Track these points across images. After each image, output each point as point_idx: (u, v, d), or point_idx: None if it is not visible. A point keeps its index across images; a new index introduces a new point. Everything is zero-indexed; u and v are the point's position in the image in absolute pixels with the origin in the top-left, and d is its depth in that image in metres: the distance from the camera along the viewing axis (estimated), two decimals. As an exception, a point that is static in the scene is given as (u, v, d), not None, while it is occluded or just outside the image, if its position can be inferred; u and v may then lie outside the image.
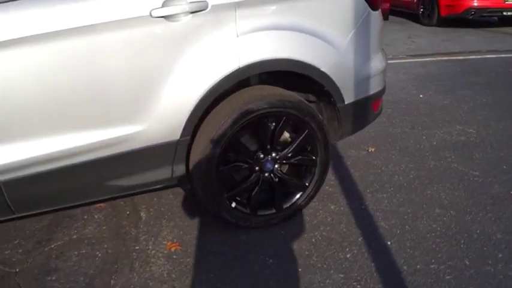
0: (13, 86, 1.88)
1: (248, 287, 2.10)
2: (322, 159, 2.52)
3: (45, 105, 1.95)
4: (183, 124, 2.18)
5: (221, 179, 2.35)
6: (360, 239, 2.44)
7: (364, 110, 2.66)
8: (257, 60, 2.21)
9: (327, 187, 2.98)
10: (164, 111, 2.14)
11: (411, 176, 3.12)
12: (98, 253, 2.37)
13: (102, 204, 2.84)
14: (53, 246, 2.44)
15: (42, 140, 2.00)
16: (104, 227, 2.61)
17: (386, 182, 3.05)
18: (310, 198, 2.60)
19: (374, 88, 2.66)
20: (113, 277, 2.19)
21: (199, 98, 2.16)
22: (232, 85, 2.22)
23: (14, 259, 2.34)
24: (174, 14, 2.04)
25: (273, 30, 2.24)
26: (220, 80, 2.16)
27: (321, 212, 2.71)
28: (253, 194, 2.46)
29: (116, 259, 2.32)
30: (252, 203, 2.47)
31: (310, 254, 2.34)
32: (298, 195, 2.57)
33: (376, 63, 2.64)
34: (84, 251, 2.39)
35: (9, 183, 2.00)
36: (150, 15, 2.00)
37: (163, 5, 2.02)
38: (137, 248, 2.41)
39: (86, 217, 2.71)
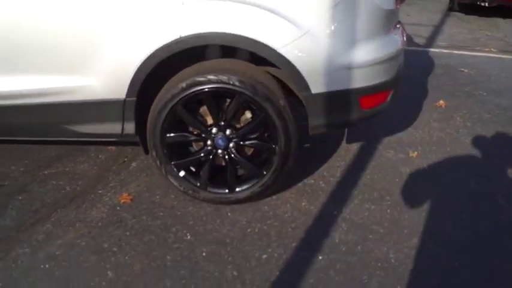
0: None
1: (148, 255, 2.12)
2: (282, 150, 2.29)
3: (9, 47, 2.23)
4: (127, 84, 2.23)
5: (167, 145, 2.35)
6: (292, 245, 2.19)
7: (345, 104, 2.28)
8: (201, 32, 2.10)
9: (321, 182, 2.70)
10: (110, 68, 2.21)
11: (427, 193, 2.59)
12: (67, 187, 2.66)
13: (112, 147, 3.11)
14: (46, 172, 2.82)
15: (8, 78, 2.30)
16: (95, 167, 2.88)
17: (393, 193, 2.59)
18: (267, 187, 2.40)
19: (362, 81, 2.23)
20: (57, 211, 2.44)
21: (141, 61, 2.17)
22: (173, 54, 2.15)
23: (11, 175, 2.79)
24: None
25: (224, 1, 2.08)
26: (160, 47, 2.13)
27: (287, 206, 2.49)
28: (203, 167, 2.40)
29: (74, 197, 2.57)
30: (202, 176, 2.41)
31: (231, 242, 2.21)
32: (254, 181, 2.40)
33: (366, 52, 2.19)
34: (61, 183, 2.70)
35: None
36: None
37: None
38: (100, 191, 2.62)
39: (91, 155, 3.02)
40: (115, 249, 2.17)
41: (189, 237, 2.25)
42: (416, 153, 3.03)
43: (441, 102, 3.83)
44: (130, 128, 2.38)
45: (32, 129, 2.49)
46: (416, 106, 3.80)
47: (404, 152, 3.04)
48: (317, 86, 2.18)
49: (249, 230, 2.30)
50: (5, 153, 3.02)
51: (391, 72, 2.34)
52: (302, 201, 2.54)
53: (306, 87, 2.18)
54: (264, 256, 2.12)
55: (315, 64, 2.14)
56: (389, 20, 2.28)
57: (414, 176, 2.78)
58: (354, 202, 2.53)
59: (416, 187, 2.66)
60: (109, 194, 2.59)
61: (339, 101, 2.25)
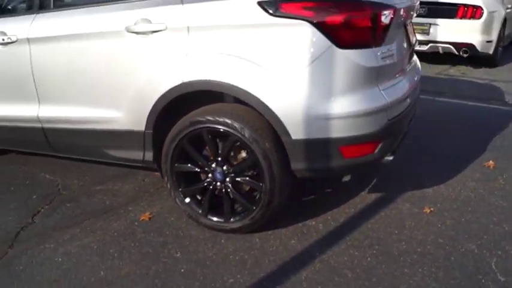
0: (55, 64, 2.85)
1: (138, 263, 2.51)
2: (267, 189, 2.54)
3: (66, 86, 2.87)
4: (146, 119, 2.70)
5: (175, 174, 2.75)
6: (261, 275, 2.40)
7: (324, 152, 2.45)
8: (199, 79, 2.49)
9: (321, 225, 2.85)
10: (133, 104, 2.70)
11: (415, 248, 2.58)
12: (107, 202, 3.18)
13: (157, 173, 3.59)
14: (97, 188, 3.39)
15: (64, 107, 2.93)
16: (136, 188, 3.38)
17: (384, 244, 2.63)
18: (256, 221, 2.64)
19: (341, 131, 2.39)
20: (90, 219, 2.96)
21: (155, 100, 2.62)
22: (176, 97, 2.56)
23: (72, 186, 3.41)
24: (141, 31, 2.57)
25: (219, 55, 2.44)
26: (168, 90, 2.56)
27: (277, 241, 2.68)
28: (204, 197, 2.74)
29: (108, 210, 3.07)
30: (204, 204, 2.75)
31: (210, 264, 2.48)
32: (245, 215, 2.67)
33: (343, 105, 2.35)
34: (104, 198, 3.24)
35: (49, 130, 3.04)
36: (125, 30, 2.60)
37: (135, 24, 2.58)
38: (130, 208, 3.09)
39: (139, 178, 3.53)
40: (116, 254, 2.59)
41: (178, 254, 2.58)
42: (431, 209, 2.99)
43: (491, 162, 3.66)
44: (149, 156, 2.82)
45: (81, 149, 3.08)
46: (464, 163, 3.69)
47: (420, 207, 3.03)
48: (297, 133, 2.41)
49: (231, 256, 2.56)
50: (76, 168, 3.68)
51: (376, 125, 2.45)
52: (293, 239, 2.71)
53: (287, 133, 2.41)
54: (231, 280, 2.36)
55: (294, 113, 2.37)
56: (372, 76, 2.42)
57: (414, 230, 2.77)
58: (341, 246, 2.63)
59: (409, 241, 2.66)
60: (136, 211, 3.04)
61: (317, 148, 2.43)
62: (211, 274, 2.41)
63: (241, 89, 2.41)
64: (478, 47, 6.87)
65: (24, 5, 3.06)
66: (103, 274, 2.43)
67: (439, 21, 6.97)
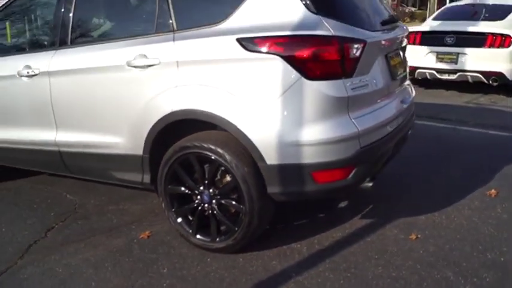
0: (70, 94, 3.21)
1: (127, 277, 2.74)
2: (247, 211, 2.71)
3: (79, 115, 3.21)
4: (143, 144, 2.97)
5: (169, 195, 2.98)
6: (235, 291, 2.56)
7: (297, 177, 2.60)
8: (185, 109, 2.74)
9: (305, 248, 2.97)
10: (132, 132, 2.98)
11: (390, 274, 2.64)
12: (114, 221, 3.45)
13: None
14: (110, 207, 3.68)
15: (77, 134, 3.26)
16: (143, 209, 3.63)
17: (361, 268, 2.71)
18: (238, 241, 2.80)
19: (313, 157, 2.54)
20: (95, 236, 3.24)
21: (150, 128, 2.89)
22: (167, 125, 2.81)
23: (87, 205, 3.72)
24: (139, 65, 2.87)
25: (203, 86, 2.68)
26: (160, 118, 2.82)
27: (259, 261, 2.82)
28: (193, 217, 2.95)
29: (114, 228, 3.33)
30: (193, 224, 2.96)
31: (191, 280, 2.67)
32: (228, 235, 2.84)
33: (314, 132, 2.51)
34: (113, 217, 3.51)
35: (65, 153, 3.38)
36: (126, 65, 2.91)
37: (134, 59, 2.88)
38: (133, 227, 3.34)
39: (148, 199, 3.77)
40: (110, 268, 2.83)
41: (165, 270, 2.79)
42: (418, 236, 3.04)
43: (493, 191, 3.64)
44: (147, 178, 3.08)
45: (92, 171, 3.40)
46: (466, 191, 3.69)
47: (407, 233, 3.08)
48: (271, 159, 2.58)
49: (212, 274, 2.73)
50: (95, 189, 3.98)
51: (348, 152, 2.58)
52: (275, 260, 2.85)
53: (262, 159, 2.59)
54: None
55: (268, 140, 2.56)
56: (342, 106, 2.56)
57: (394, 255, 2.83)
58: (318, 269, 2.74)
59: (386, 266, 2.73)
60: (138, 229, 3.29)
61: (291, 173, 2.59)
62: (183, 283, 2.59)
63: (221, 117, 2.63)
64: (508, 76, 6.77)
65: (48, 42, 3.45)
66: (94, 285, 2.67)
67: (468, 50, 6.94)
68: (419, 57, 7.21)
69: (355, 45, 2.56)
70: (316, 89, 2.50)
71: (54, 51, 3.30)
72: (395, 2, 27.03)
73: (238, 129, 2.60)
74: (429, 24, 7.89)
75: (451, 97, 7.29)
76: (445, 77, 7.20)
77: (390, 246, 2.95)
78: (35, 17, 3.69)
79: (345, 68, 2.55)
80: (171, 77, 2.77)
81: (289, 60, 2.48)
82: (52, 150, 3.42)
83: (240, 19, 2.63)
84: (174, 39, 2.78)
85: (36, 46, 3.61)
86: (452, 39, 7.00)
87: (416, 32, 7.39)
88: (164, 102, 2.80)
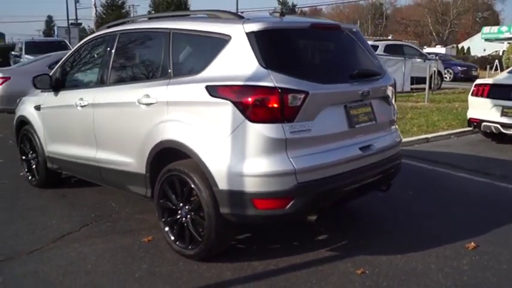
0: (97, 122, 4.18)
1: (116, 271, 3.50)
2: (207, 226, 3.31)
3: (103, 135, 4.15)
4: (145, 165, 3.76)
5: (161, 208, 3.70)
6: (182, 289, 3.16)
7: (241, 202, 3.12)
8: (167, 139, 3.47)
9: (257, 263, 3.46)
10: (139, 153, 3.79)
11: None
12: (133, 226, 4.27)
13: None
14: (137, 216, 4.53)
15: (101, 152, 4.19)
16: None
17: (295, 288, 3.14)
18: (202, 251, 3.40)
19: (253, 186, 3.06)
20: (113, 235, 4.08)
21: (148, 152, 3.67)
22: (159, 151, 3.56)
23: (121, 213, 4.62)
24: (144, 103, 3.69)
25: (180, 122, 3.40)
26: (154, 146, 3.59)
27: (217, 270, 3.40)
28: (174, 228, 3.63)
29: (128, 231, 4.15)
30: (174, 233, 3.63)
31: (160, 276, 3.34)
32: (196, 245, 3.46)
33: (255, 166, 3.04)
34: (133, 223, 4.35)
35: (101, 168, 4.32)
36: (137, 102, 3.75)
37: (143, 97, 3.71)
38: (143, 232, 4.11)
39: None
40: (107, 258, 3.62)
41: (144, 266, 3.48)
42: (366, 271, 3.32)
43: (472, 244, 3.71)
44: (149, 192, 3.85)
45: (117, 183, 4.28)
46: (448, 239, 3.81)
47: (357, 268, 3.38)
48: (222, 184, 3.17)
49: (175, 273, 3.36)
50: (136, 201, 4.85)
51: (284, 185, 3.06)
52: (230, 271, 3.39)
53: (215, 184, 3.20)
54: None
55: (220, 169, 3.16)
56: (280, 145, 3.05)
57: (330, 284, 3.18)
58: (259, 283, 3.21)
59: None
60: (145, 235, 4.04)
61: (236, 198, 3.14)
62: (151, 280, 3.25)
63: (189, 148, 3.31)
64: None
65: (95, 81, 4.47)
66: (89, 267, 3.47)
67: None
68: (485, 110, 7.08)
69: (296, 95, 3.07)
70: (257, 130, 3.05)
71: (97, 88, 4.30)
72: None
73: (200, 158, 3.25)
74: (498, 78, 7.67)
75: (505, 152, 7.02)
76: (511, 132, 6.94)
77: (333, 276, 3.29)
78: (89, 62, 4.78)
79: (284, 114, 3.06)
80: (163, 113, 3.54)
81: (238, 105, 3.08)
82: (94, 164, 4.38)
83: (212, 70, 3.32)
84: (168, 84, 3.55)
85: (88, 83, 4.66)
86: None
87: (485, 85, 7.26)
88: (157, 132, 3.57)
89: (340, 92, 3.39)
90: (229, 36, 3.30)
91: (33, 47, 16.04)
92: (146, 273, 3.37)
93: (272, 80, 3.07)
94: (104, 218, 4.46)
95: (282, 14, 3.74)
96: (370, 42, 17.01)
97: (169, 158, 3.57)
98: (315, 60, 3.47)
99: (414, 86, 14.89)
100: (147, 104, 3.66)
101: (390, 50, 15.80)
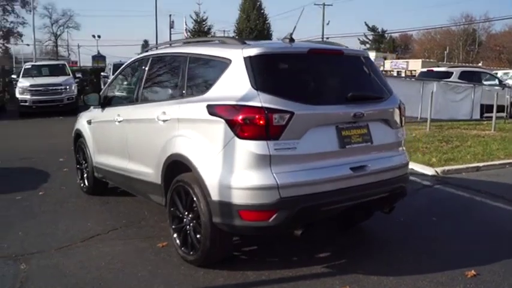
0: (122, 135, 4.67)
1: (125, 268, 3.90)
2: (203, 234, 3.61)
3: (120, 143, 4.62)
4: (160, 175, 4.15)
5: (171, 215, 4.06)
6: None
7: (229, 212, 3.36)
8: (175, 152, 3.83)
9: (251, 273, 3.67)
10: (156, 165, 4.19)
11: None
12: (156, 232, 4.67)
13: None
14: (161, 224, 4.93)
15: (136, 163, 4.65)
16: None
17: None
18: (200, 257, 3.69)
19: (240, 199, 3.30)
20: (134, 238, 4.50)
21: (162, 163, 4.06)
22: (170, 163, 3.93)
23: (150, 220, 5.05)
24: (161, 119, 4.10)
25: (185, 137, 3.75)
26: (167, 157, 3.97)
27: (210, 273, 3.66)
28: (181, 234, 3.96)
29: (150, 237, 4.55)
30: (180, 239, 3.95)
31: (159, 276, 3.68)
32: (195, 251, 3.76)
33: (241, 180, 3.29)
34: (156, 229, 4.75)
35: (132, 178, 4.79)
36: (156, 118, 4.18)
37: (161, 114, 4.13)
38: (162, 238, 4.50)
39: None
40: (121, 258, 4.02)
41: (149, 268, 3.84)
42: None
43: (473, 272, 3.62)
44: (164, 201, 4.22)
45: (141, 192, 4.71)
46: (448, 266, 3.76)
47: (343, 285, 3.47)
48: (214, 195, 3.45)
49: (174, 275, 3.68)
50: (162, 209, 5.27)
51: (267, 199, 3.27)
52: (223, 277, 3.64)
53: (209, 195, 3.49)
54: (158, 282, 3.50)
55: (212, 181, 3.45)
56: (264, 161, 3.26)
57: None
58: (245, 290, 3.43)
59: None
60: (161, 240, 4.41)
61: (225, 209, 3.40)
62: (151, 280, 3.59)
63: (190, 160, 3.65)
64: None
65: (130, 99, 4.99)
66: (103, 264, 3.89)
67: None
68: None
69: (281, 115, 3.29)
70: (244, 146, 3.31)
71: (131, 105, 4.82)
72: None
73: (197, 170, 3.57)
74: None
75: None
76: None
77: (315, 289, 3.41)
78: (128, 82, 5.34)
79: (269, 132, 3.29)
80: (174, 129, 3.92)
81: (229, 122, 3.38)
82: (126, 175, 4.87)
83: (215, 91, 3.65)
84: (180, 103, 3.93)
85: (125, 101, 5.20)
86: None
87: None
88: (169, 146, 3.95)
89: (329, 113, 3.55)
90: (230, 60, 3.62)
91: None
92: (148, 274, 3.72)
93: (260, 100, 3.33)
94: (133, 224, 4.91)
95: (291, 40, 3.99)
96: (442, 69, 16.67)
97: (179, 169, 3.92)
98: (308, 83, 3.67)
99: (489, 115, 14.16)
100: (164, 121, 4.07)
101: (466, 76, 15.22)
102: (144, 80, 4.70)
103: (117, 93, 5.45)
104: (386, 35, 75.98)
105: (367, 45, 79.80)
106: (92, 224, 4.89)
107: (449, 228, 4.74)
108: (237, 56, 3.58)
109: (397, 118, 4.01)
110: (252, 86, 3.41)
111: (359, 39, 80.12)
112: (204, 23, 37.65)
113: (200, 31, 36.02)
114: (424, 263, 3.84)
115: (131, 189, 5.02)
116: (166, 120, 4.04)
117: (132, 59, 5.36)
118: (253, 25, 36.58)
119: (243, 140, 3.33)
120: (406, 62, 43.93)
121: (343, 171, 3.57)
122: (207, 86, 3.77)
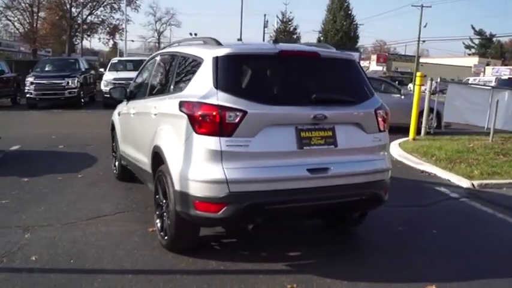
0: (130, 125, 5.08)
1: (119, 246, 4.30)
2: (170, 221, 3.88)
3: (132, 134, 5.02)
4: (150, 164, 4.49)
5: (156, 202, 4.38)
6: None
7: (186, 202, 3.58)
8: (156, 144, 4.16)
9: (220, 265, 3.87)
10: (148, 155, 4.54)
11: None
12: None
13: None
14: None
15: (140, 154, 5.04)
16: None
17: None
18: (169, 242, 3.99)
19: (194, 190, 3.52)
20: (130, 222, 4.91)
21: (150, 154, 4.40)
22: (154, 153, 4.25)
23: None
24: (152, 113, 4.45)
25: (162, 130, 4.07)
26: (152, 148, 4.30)
27: (174, 261, 3.92)
28: (161, 221, 4.26)
29: (147, 221, 4.93)
30: (160, 226, 4.26)
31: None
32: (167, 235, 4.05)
33: (195, 172, 3.50)
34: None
35: (138, 166, 5.21)
36: (150, 112, 4.52)
37: (153, 108, 4.46)
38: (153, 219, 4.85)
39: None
40: (116, 236, 4.43)
41: (128, 247, 4.19)
42: (293, 286, 3.47)
43: (434, 287, 3.49)
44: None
45: (143, 180, 5.09)
46: (417, 278, 3.67)
47: (291, 284, 3.54)
48: (177, 185, 3.71)
49: (146, 257, 4.00)
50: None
51: (216, 192, 3.45)
52: (184, 262, 3.88)
53: (173, 184, 3.75)
54: (129, 264, 3.84)
55: (175, 172, 3.72)
56: (216, 156, 3.44)
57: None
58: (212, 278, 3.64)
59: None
60: (153, 226, 4.77)
61: (183, 198, 3.64)
62: (123, 257, 3.94)
63: (163, 152, 3.95)
64: None
65: (142, 94, 5.40)
66: (92, 240, 4.33)
67: None
68: None
69: (234, 113, 3.44)
70: (200, 141, 3.53)
71: (141, 99, 5.23)
72: None
73: (166, 162, 3.87)
74: None
75: None
76: None
77: (263, 285, 3.54)
78: (143, 78, 5.76)
79: (222, 129, 3.47)
80: (158, 122, 4.25)
81: (190, 118, 3.61)
82: (135, 163, 5.29)
83: (189, 88, 3.91)
84: (165, 99, 4.24)
85: (140, 96, 5.58)
86: None
87: None
88: (154, 138, 4.28)
89: (287, 114, 3.62)
90: (203, 59, 3.84)
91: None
92: (123, 253, 4.08)
93: (217, 98, 3.51)
94: (140, 209, 5.31)
95: (275, 41, 4.11)
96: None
97: (161, 160, 4.21)
98: (271, 83, 3.76)
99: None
100: (155, 114, 4.40)
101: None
102: (151, 76, 5.09)
103: (135, 89, 5.90)
104: (494, 39, 70.79)
105: (472, 50, 74.92)
106: (104, 206, 5.37)
107: (443, 243, 4.51)
108: (208, 55, 3.79)
109: (373, 123, 3.93)
110: (213, 84, 3.60)
111: (464, 43, 75.47)
112: (290, 22, 38.01)
113: (286, 31, 36.40)
114: (392, 274, 3.75)
115: (140, 177, 5.44)
116: (156, 114, 4.37)
117: (150, 57, 5.80)
118: (339, 26, 36.09)
119: (199, 135, 3.54)
120: (510, 69, 40.58)
121: (298, 171, 3.61)
122: (186, 83, 4.03)
